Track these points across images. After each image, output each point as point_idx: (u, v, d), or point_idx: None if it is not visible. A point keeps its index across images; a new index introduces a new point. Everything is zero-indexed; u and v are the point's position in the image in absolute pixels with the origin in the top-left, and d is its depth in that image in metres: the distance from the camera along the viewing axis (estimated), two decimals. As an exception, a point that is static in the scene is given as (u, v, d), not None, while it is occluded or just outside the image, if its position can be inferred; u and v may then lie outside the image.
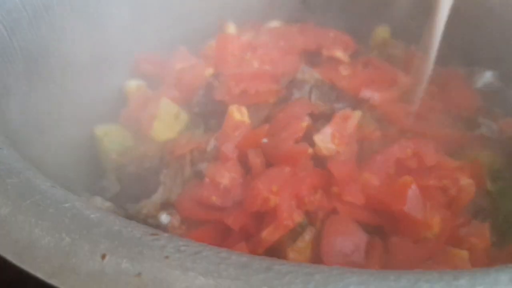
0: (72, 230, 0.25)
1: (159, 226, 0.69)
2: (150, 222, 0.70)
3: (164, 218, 0.68)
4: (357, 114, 0.72)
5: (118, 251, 0.24)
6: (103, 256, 0.23)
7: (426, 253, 0.53)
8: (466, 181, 0.61)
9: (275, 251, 0.59)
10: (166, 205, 0.71)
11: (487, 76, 0.86)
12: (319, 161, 0.68)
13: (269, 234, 0.58)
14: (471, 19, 0.90)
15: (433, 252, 0.53)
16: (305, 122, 0.71)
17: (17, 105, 0.65)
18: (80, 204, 0.28)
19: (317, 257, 0.56)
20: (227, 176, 0.68)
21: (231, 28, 1.05)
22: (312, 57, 0.91)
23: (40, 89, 0.72)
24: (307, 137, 0.70)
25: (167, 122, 0.86)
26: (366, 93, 0.80)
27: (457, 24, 0.93)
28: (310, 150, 0.68)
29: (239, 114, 0.72)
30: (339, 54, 0.90)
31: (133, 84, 0.96)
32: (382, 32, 0.98)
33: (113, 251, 0.24)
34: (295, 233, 0.59)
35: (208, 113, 0.82)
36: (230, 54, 0.86)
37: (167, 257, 0.24)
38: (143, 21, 0.98)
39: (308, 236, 0.58)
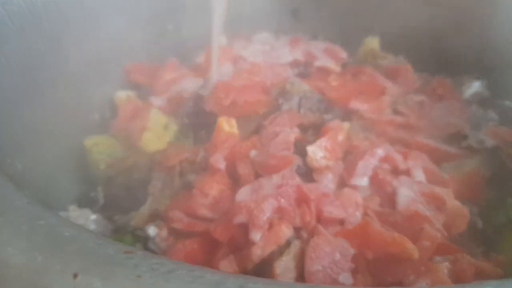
0: (44, 249, 0.25)
1: (147, 238, 0.68)
2: (138, 233, 0.70)
3: (151, 230, 0.68)
4: (346, 126, 0.72)
5: (90, 270, 0.23)
6: (75, 276, 0.23)
7: (408, 270, 0.53)
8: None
9: (262, 264, 0.58)
10: (154, 217, 0.70)
11: (475, 86, 0.87)
12: (307, 174, 0.68)
13: (259, 250, 0.58)
14: (459, 29, 0.90)
15: (415, 268, 0.52)
16: (294, 133, 0.71)
17: (4, 117, 0.65)
18: (55, 221, 0.27)
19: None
20: (215, 187, 0.68)
21: (222, 40, 1.05)
22: (302, 67, 0.92)
23: (28, 101, 0.71)
24: (297, 149, 0.71)
25: (156, 132, 0.85)
26: (355, 104, 0.80)
27: (445, 34, 0.95)
28: (298, 161, 0.68)
29: (228, 125, 0.72)
30: (330, 65, 0.90)
31: (123, 94, 0.96)
32: (371, 42, 0.98)
33: (85, 270, 0.23)
34: (282, 246, 0.58)
35: (197, 124, 0.82)
36: (220, 65, 0.86)
37: (139, 276, 0.23)
38: (134, 32, 0.99)
39: (294, 249, 0.58)
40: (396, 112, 0.83)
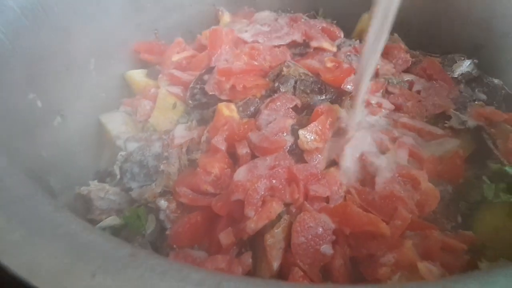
0: (69, 254, 0.32)
1: (158, 210, 0.78)
2: (150, 206, 0.79)
3: (162, 203, 0.77)
4: (336, 108, 0.78)
5: (104, 271, 0.31)
6: (93, 276, 0.31)
7: (380, 244, 0.61)
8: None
9: (256, 235, 0.67)
10: (165, 192, 0.79)
11: (465, 65, 0.90)
12: (299, 154, 0.75)
13: (253, 223, 0.66)
14: (452, 8, 0.91)
15: (386, 243, 0.61)
16: (291, 120, 0.77)
17: (22, 105, 0.72)
18: (75, 227, 0.35)
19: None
20: (217, 166, 0.76)
21: (226, 16, 1.09)
22: (301, 47, 0.96)
23: (45, 88, 0.78)
24: (291, 131, 0.77)
25: (165, 111, 0.93)
26: (348, 86, 0.85)
27: (439, 13, 0.96)
28: (290, 142, 0.75)
29: (227, 110, 0.79)
30: (327, 45, 0.94)
31: (133, 73, 1.03)
32: (367, 19, 1.01)
33: (101, 271, 0.31)
34: (273, 220, 0.67)
35: (201, 105, 0.88)
36: (223, 48, 0.91)
37: (141, 275, 0.31)
38: (140, 12, 1.03)
39: (283, 223, 0.66)
40: (388, 92, 0.88)
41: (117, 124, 0.97)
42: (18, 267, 0.31)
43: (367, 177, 0.73)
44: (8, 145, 0.49)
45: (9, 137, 0.56)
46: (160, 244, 0.75)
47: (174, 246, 0.72)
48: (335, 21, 1.05)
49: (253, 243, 0.69)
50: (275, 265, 0.64)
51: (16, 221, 0.35)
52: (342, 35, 0.99)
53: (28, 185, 0.39)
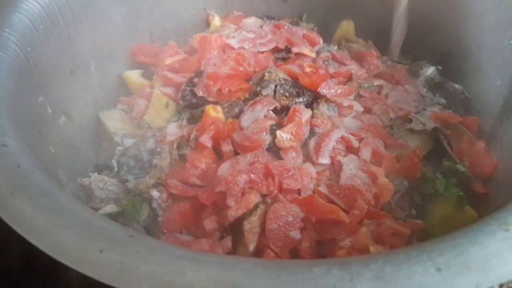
0: (83, 235, 0.42)
1: (151, 199, 0.88)
2: (144, 196, 0.90)
3: (155, 194, 0.87)
4: (308, 113, 0.88)
5: (109, 248, 0.41)
6: (101, 251, 0.41)
7: (340, 230, 0.72)
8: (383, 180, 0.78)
9: (236, 222, 0.78)
10: (157, 184, 0.90)
11: (430, 71, 1.00)
12: (276, 150, 0.85)
13: (233, 212, 0.77)
14: (423, 19, 1.00)
15: (345, 229, 0.72)
16: (270, 121, 0.87)
17: (34, 108, 0.81)
18: (88, 215, 0.45)
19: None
20: (203, 161, 0.86)
21: (216, 20, 1.18)
22: (283, 53, 1.05)
23: (52, 91, 0.87)
24: (270, 131, 0.87)
25: (158, 110, 1.03)
26: (324, 90, 0.95)
27: (410, 23, 1.06)
28: (269, 141, 0.85)
29: (214, 112, 0.89)
30: (306, 51, 1.03)
31: (129, 73, 1.12)
32: (346, 26, 1.10)
33: (107, 248, 0.41)
34: (251, 209, 0.78)
35: (191, 105, 0.98)
36: (211, 53, 1.00)
37: (137, 251, 0.41)
38: (137, 17, 1.12)
39: (260, 212, 0.77)
40: (359, 95, 0.98)
41: (114, 121, 1.06)
42: (44, 246, 0.41)
43: (334, 172, 0.84)
44: (28, 145, 0.59)
45: (27, 138, 0.65)
46: (152, 229, 0.86)
47: (165, 231, 0.82)
48: (315, 28, 1.14)
49: (233, 229, 0.79)
50: (251, 247, 0.75)
51: (40, 210, 0.45)
52: (321, 41, 1.08)
53: (48, 181, 0.49)
